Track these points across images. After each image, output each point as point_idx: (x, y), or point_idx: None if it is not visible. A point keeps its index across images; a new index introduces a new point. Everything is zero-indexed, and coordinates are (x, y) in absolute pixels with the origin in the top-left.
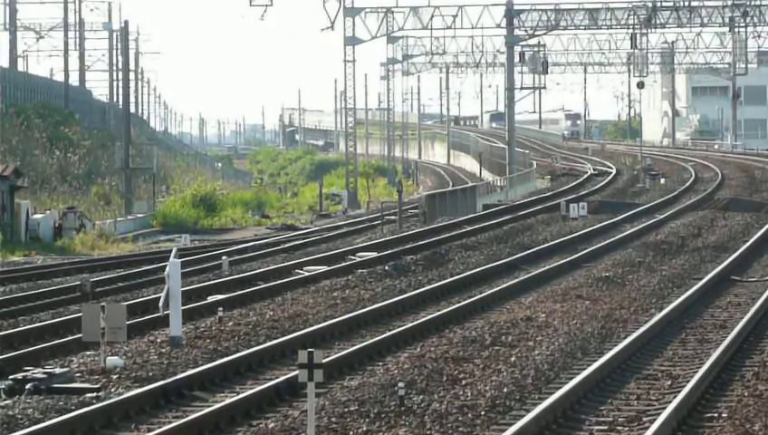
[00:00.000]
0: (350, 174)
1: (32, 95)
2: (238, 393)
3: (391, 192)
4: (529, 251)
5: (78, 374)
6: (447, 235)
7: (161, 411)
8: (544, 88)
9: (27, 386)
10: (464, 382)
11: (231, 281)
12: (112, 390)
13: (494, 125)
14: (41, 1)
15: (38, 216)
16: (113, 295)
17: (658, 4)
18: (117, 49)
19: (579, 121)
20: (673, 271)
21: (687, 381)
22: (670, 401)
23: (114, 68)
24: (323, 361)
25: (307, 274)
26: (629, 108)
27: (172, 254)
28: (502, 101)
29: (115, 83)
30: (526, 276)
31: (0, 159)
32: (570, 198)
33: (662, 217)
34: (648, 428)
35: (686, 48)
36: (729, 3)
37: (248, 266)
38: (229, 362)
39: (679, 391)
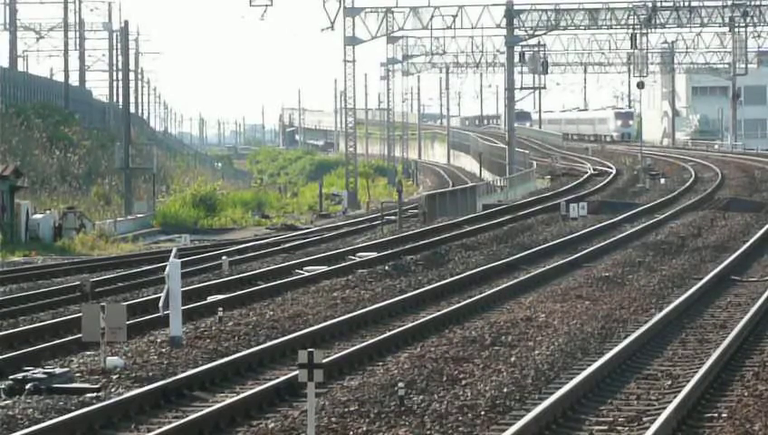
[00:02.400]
0: (350, 174)
1: (32, 95)
2: (238, 393)
3: (391, 192)
4: (529, 251)
5: (78, 374)
6: (447, 235)
7: (161, 411)
8: (544, 88)
9: (27, 386)
10: (464, 382)
11: (231, 281)
12: (112, 390)
13: (515, 124)
14: (41, 1)
15: (38, 216)
16: (113, 295)
17: (658, 4)
18: (117, 49)
19: (631, 122)
20: (673, 271)
21: (687, 381)
22: (670, 401)
23: (114, 68)
24: (323, 361)
25: (307, 274)
26: (629, 108)
27: (172, 254)
28: (502, 101)
29: (115, 83)
30: (526, 276)
31: (0, 159)
32: (570, 198)
33: (662, 217)
34: (648, 428)
35: (686, 48)
36: (729, 3)
37: (248, 266)
38: (229, 362)
39: (679, 391)
